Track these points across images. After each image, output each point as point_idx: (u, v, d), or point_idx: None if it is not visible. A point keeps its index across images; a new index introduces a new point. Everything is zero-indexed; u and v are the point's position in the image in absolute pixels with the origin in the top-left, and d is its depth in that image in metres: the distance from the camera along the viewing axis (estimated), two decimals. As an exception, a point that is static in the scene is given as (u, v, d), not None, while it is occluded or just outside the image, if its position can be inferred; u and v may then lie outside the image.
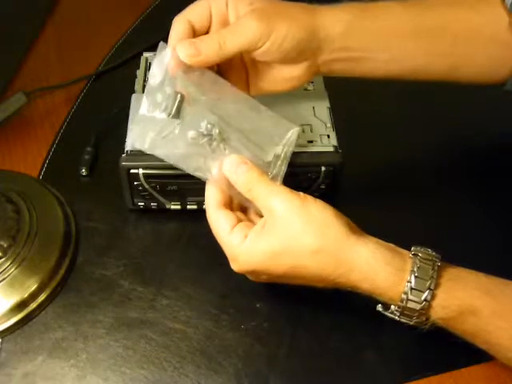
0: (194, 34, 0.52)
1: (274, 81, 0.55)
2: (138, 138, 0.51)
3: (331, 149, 0.58)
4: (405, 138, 0.71)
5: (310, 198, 0.49)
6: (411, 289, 0.46)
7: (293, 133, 0.54)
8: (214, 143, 0.51)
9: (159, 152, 0.51)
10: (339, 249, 0.47)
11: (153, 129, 0.51)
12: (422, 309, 0.46)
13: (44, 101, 0.75)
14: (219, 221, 0.50)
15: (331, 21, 0.53)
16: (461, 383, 0.51)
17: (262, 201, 0.49)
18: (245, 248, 0.48)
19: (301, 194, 0.49)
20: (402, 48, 0.55)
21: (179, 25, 0.53)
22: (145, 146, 0.51)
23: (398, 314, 0.47)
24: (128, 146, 0.56)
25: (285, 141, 0.53)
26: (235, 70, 0.55)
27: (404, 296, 0.46)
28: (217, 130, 0.51)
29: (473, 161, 0.69)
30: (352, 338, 0.53)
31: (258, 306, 0.55)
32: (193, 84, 0.51)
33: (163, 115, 0.51)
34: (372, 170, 0.66)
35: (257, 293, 0.55)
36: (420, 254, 0.48)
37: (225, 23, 0.53)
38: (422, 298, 0.46)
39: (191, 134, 0.51)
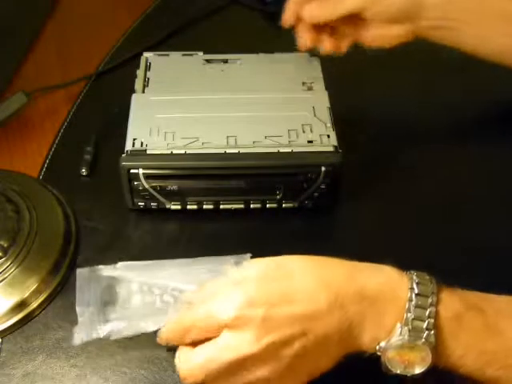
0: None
1: (379, 36, 0.64)
2: (87, 329, 0.52)
3: (331, 149, 0.58)
4: (405, 138, 0.71)
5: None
6: (417, 283, 0.44)
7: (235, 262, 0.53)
8: (161, 297, 0.54)
9: (120, 328, 0.52)
10: (336, 264, 0.46)
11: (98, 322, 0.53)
12: (431, 304, 0.43)
13: (44, 101, 0.75)
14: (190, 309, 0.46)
15: None
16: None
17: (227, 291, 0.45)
18: (233, 285, 0.45)
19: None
20: (490, 27, 0.60)
21: None
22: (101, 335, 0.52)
23: (408, 325, 0.43)
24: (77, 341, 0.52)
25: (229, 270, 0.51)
26: (346, 24, 0.64)
27: (410, 294, 0.44)
28: (156, 290, 0.54)
29: (474, 160, 0.69)
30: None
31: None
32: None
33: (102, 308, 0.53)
34: (372, 170, 0.66)
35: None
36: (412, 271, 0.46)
37: None
38: (430, 290, 0.44)
39: (136, 302, 0.54)
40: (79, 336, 0.52)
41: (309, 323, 0.43)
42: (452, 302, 0.44)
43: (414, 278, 0.45)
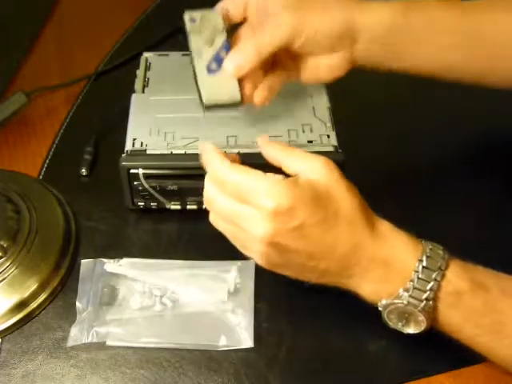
0: (230, 20, 0.56)
1: (316, 70, 0.57)
2: (81, 333, 0.53)
3: (331, 149, 0.58)
4: (405, 138, 0.70)
5: None
6: (427, 257, 0.47)
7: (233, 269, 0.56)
8: (160, 299, 0.55)
9: (116, 332, 0.53)
10: (370, 213, 0.49)
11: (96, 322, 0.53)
12: (435, 279, 0.46)
13: (44, 101, 0.75)
14: (246, 170, 0.48)
15: (370, 17, 0.54)
16: (461, 383, 0.51)
17: (305, 159, 0.49)
18: (292, 180, 0.47)
19: None
20: (437, 43, 0.56)
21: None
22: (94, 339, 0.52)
23: (409, 292, 0.46)
24: (70, 343, 0.53)
25: (230, 276, 0.56)
26: (283, 62, 0.57)
27: (418, 265, 0.46)
28: (156, 292, 0.55)
29: (473, 159, 0.69)
30: (352, 338, 0.53)
31: (258, 306, 0.55)
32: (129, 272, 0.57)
33: (101, 307, 0.54)
34: (372, 169, 0.66)
35: (257, 293, 0.55)
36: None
37: (262, 14, 0.55)
38: (438, 266, 0.46)
39: (135, 303, 0.54)
40: (74, 338, 0.52)
41: (321, 255, 0.47)
42: (457, 278, 0.47)
43: (427, 250, 0.47)
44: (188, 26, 0.55)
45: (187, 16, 0.56)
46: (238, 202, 0.47)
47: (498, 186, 0.66)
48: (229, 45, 0.55)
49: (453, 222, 0.62)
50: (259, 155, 0.57)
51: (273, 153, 0.51)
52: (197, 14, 0.56)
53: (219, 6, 0.56)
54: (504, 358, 0.48)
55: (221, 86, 0.54)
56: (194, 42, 0.55)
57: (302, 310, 0.54)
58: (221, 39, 0.55)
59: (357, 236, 0.47)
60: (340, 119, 0.61)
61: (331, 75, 0.57)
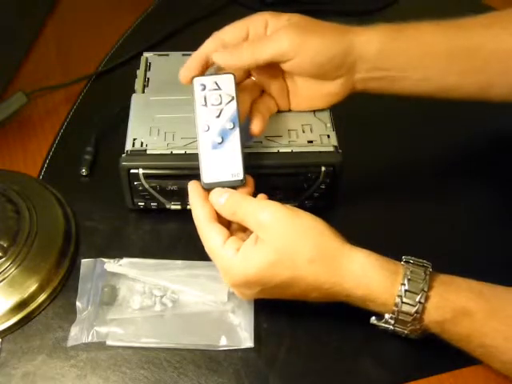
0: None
1: (311, 97, 0.58)
2: (81, 333, 0.53)
3: (331, 149, 0.58)
4: (405, 138, 0.71)
5: (300, 209, 0.49)
6: (405, 291, 0.47)
7: None
8: (160, 299, 0.55)
9: (116, 332, 0.53)
10: (334, 256, 0.48)
11: (95, 321, 0.53)
12: (416, 312, 0.47)
13: (44, 101, 0.75)
14: (211, 234, 0.50)
15: (366, 41, 0.54)
16: (461, 383, 0.51)
17: (250, 219, 0.49)
18: (238, 260, 0.48)
19: (289, 206, 0.49)
20: (435, 67, 0.56)
21: (210, 43, 0.55)
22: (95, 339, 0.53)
23: (393, 321, 0.48)
24: (70, 342, 0.53)
25: None
26: (277, 87, 0.58)
27: (398, 300, 0.47)
28: (157, 292, 0.55)
29: (473, 160, 0.69)
30: (351, 338, 0.53)
31: (258, 306, 0.55)
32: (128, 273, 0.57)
33: (101, 307, 0.54)
34: (372, 169, 0.66)
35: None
36: (411, 261, 0.49)
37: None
38: (417, 300, 0.46)
39: (135, 303, 0.54)
40: (74, 337, 0.52)
41: (295, 298, 0.50)
42: (438, 309, 0.47)
43: (405, 282, 0.47)
44: (196, 94, 0.53)
45: (197, 82, 0.53)
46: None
47: (497, 193, 0.66)
48: (237, 114, 0.52)
49: (452, 222, 0.62)
50: (259, 155, 0.58)
51: (229, 202, 0.51)
52: (207, 80, 0.53)
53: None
54: (501, 369, 0.49)
55: (224, 163, 0.52)
56: (201, 113, 0.53)
57: (302, 310, 0.54)
58: (230, 109, 0.52)
59: (325, 286, 0.48)
60: (340, 119, 0.61)
61: (327, 102, 0.59)
